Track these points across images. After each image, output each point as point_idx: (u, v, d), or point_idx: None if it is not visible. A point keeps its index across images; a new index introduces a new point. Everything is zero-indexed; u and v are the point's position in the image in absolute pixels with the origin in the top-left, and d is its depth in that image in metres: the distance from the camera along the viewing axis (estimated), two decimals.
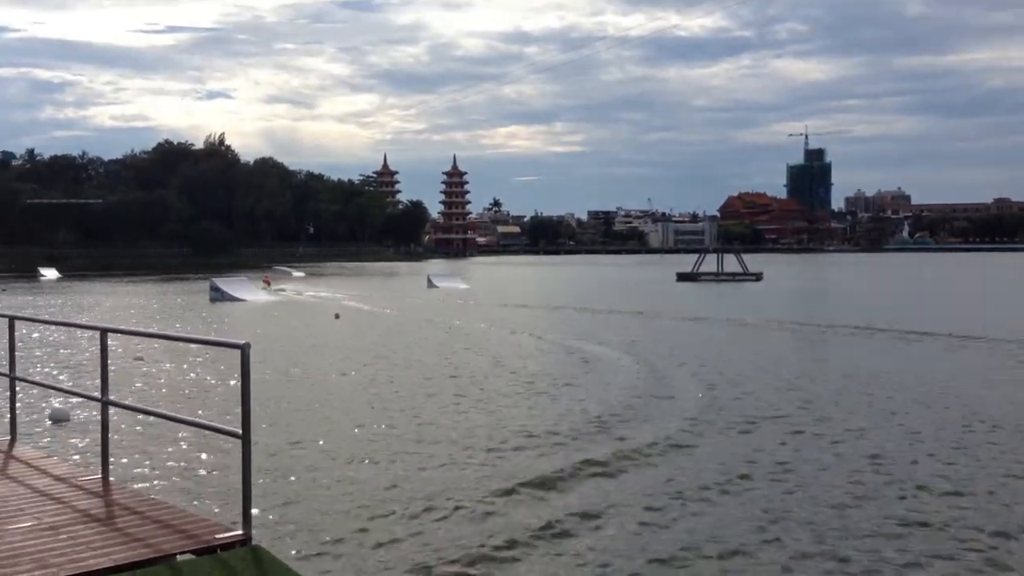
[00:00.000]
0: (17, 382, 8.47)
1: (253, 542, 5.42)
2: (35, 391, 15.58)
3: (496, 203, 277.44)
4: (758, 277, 70.10)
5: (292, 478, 11.33)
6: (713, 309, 40.18)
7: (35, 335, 27.85)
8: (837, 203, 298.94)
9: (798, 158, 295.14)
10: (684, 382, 19.13)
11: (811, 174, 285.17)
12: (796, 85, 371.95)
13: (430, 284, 62.88)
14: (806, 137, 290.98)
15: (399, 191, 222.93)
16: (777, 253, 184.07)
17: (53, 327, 28.77)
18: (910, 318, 33.15)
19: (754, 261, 78.16)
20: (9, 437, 8.16)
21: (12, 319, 8.44)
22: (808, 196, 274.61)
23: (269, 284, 64.11)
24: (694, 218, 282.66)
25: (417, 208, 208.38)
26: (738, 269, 71.58)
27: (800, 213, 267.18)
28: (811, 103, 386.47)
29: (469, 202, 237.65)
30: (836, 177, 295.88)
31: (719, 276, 71.17)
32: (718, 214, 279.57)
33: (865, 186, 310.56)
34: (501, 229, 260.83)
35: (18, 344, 8.46)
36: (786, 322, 33.19)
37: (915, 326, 29.92)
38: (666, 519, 9.71)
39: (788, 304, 44.36)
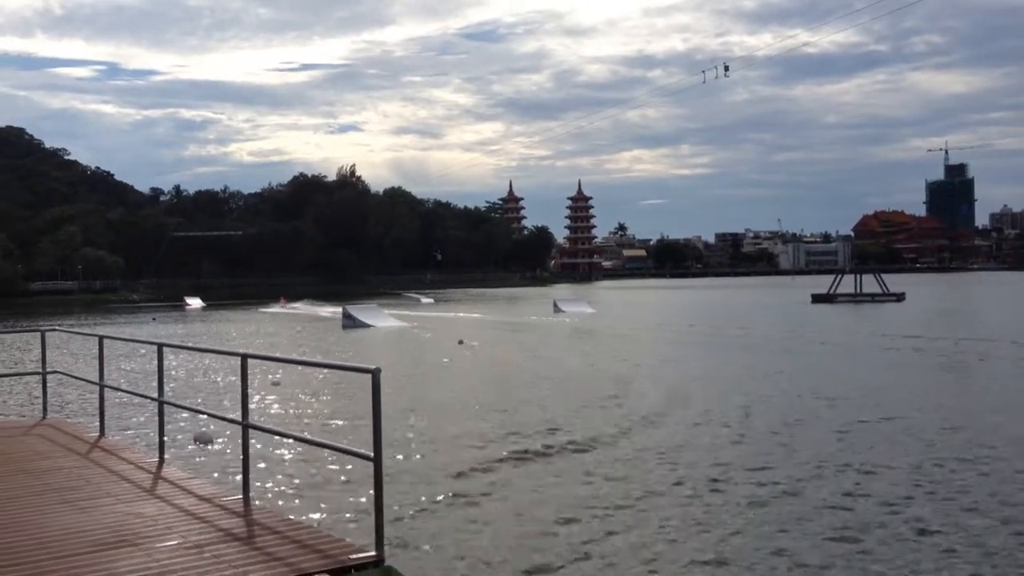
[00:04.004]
0: (165, 406, 8.89)
1: (386, 563, 5.49)
2: (183, 414, 16.33)
3: (622, 227, 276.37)
4: (899, 298, 66.99)
5: (423, 500, 11.45)
6: (858, 332, 38.63)
7: (195, 365, 29.22)
8: (981, 220, 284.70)
9: (938, 174, 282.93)
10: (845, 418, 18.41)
11: (952, 190, 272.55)
12: (935, 98, 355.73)
13: (556, 309, 62.89)
14: (946, 152, 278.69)
15: (524, 217, 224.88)
16: (917, 273, 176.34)
17: (198, 353, 30.21)
18: None
19: (893, 281, 74.78)
20: (158, 458, 8.55)
21: (160, 346, 8.88)
22: (949, 213, 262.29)
23: (285, 303, 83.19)
24: (826, 238, 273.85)
25: (542, 233, 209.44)
26: (877, 290, 68.69)
27: (941, 231, 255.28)
28: (952, 117, 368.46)
29: (594, 226, 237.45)
30: (980, 193, 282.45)
31: (857, 297, 68.37)
32: (852, 234, 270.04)
33: (1012, 201, 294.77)
34: (627, 253, 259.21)
35: (167, 369, 8.88)
36: (948, 343, 31.60)
37: None
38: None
39: (941, 326, 41.71)
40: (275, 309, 79.26)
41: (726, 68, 74.19)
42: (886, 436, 15.14)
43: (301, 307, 78.96)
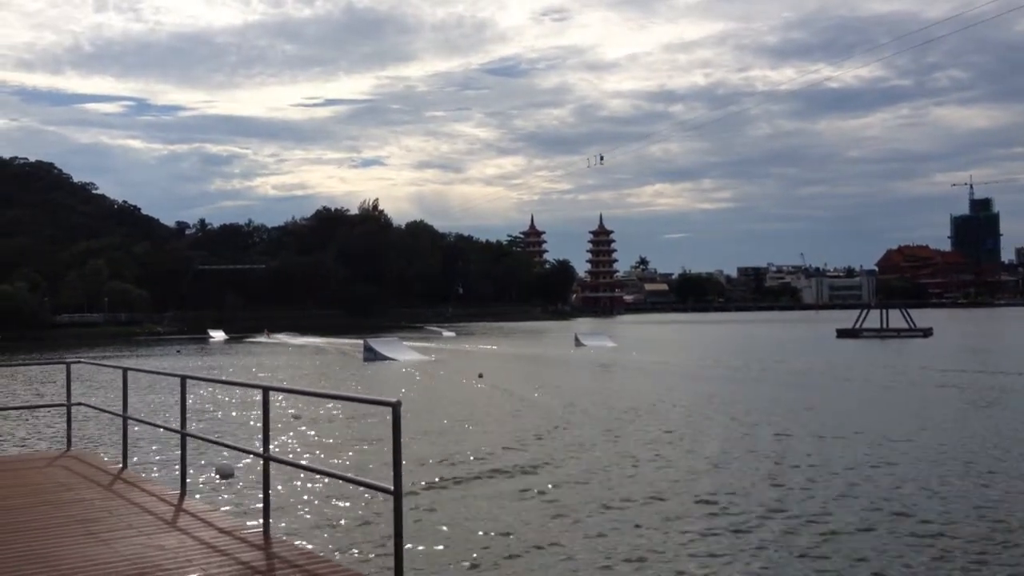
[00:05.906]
0: (187, 437, 8.92)
1: None
2: (205, 446, 16.37)
3: (643, 261, 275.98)
4: (926, 333, 66.12)
5: (443, 533, 11.38)
6: (897, 371, 38.22)
7: (217, 397, 29.34)
8: (1007, 255, 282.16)
9: (963, 209, 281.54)
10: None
11: (977, 225, 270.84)
12: (959, 133, 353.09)
13: (578, 343, 62.79)
14: (971, 187, 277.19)
15: (546, 251, 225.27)
16: (942, 308, 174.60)
17: (220, 385, 30.27)
18: None
19: (919, 316, 73.82)
20: (179, 490, 8.56)
21: (184, 378, 8.92)
22: (974, 248, 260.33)
23: (269, 334, 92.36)
24: (850, 273, 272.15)
25: (564, 267, 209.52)
26: (903, 325, 67.90)
27: (966, 266, 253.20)
28: (976, 151, 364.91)
29: (616, 260, 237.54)
30: (1005, 228, 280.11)
31: (883, 333, 67.57)
32: (876, 268, 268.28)
33: None
34: (648, 287, 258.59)
35: (189, 402, 8.92)
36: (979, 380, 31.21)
37: None
38: None
39: (976, 362, 40.95)
40: (261, 339, 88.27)
41: (600, 158, 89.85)
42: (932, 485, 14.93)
43: (283, 338, 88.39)
